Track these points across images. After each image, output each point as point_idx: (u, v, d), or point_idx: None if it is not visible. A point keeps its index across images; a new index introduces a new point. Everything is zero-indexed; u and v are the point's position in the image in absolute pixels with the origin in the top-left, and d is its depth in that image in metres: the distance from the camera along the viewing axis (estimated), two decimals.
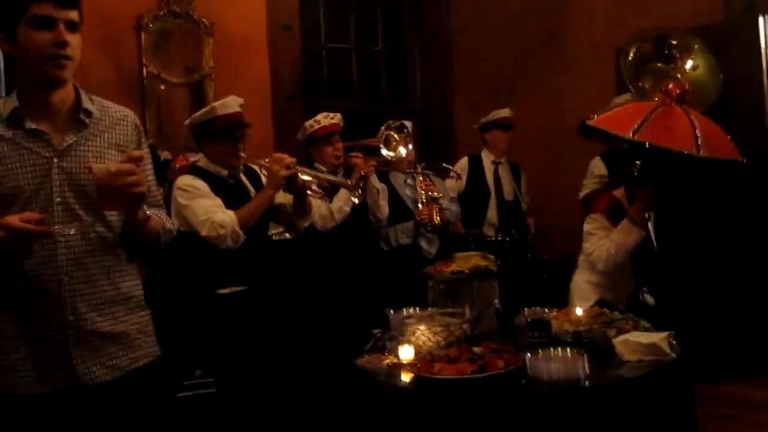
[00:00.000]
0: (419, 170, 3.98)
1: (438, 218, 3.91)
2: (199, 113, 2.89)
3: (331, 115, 3.57)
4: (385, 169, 3.81)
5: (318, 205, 3.23)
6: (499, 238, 4.05)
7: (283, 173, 2.73)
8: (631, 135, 2.67)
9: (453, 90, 5.48)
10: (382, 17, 5.49)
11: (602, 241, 2.96)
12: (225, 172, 2.87)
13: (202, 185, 2.77)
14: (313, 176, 3.03)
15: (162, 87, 4.40)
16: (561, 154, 4.65)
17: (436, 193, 3.95)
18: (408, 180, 4.00)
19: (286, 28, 4.79)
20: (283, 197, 3.01)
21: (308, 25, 5.07)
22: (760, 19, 4.09)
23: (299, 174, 2.81)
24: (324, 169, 3.50)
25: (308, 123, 3.58)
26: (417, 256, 3.90)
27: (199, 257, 2.79)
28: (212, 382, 3.43)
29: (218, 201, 2.75)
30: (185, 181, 2.80)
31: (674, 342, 2.12)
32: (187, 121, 2.96)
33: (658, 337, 2.07)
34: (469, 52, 5.40)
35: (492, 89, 5.07)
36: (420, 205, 3.90)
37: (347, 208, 3.32)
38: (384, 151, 2.87)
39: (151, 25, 4.34)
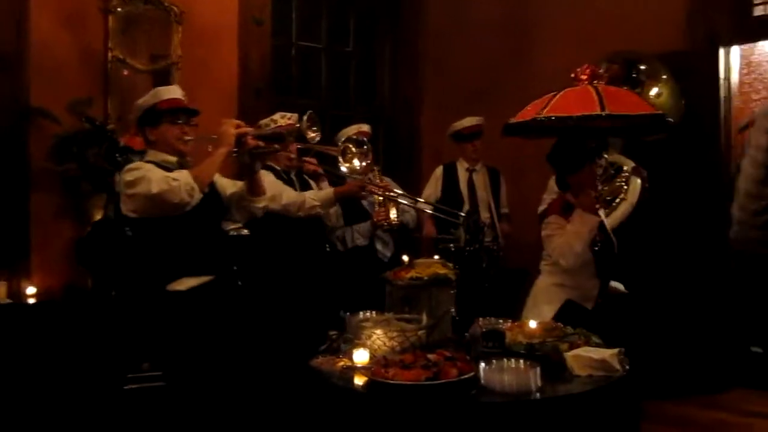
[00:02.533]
0: (376, 172, 3.99)
1: (395, 217, 3.93)
2: (142, 99, 2.85)
3: (288, 115, 3.52)
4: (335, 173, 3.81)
5: (289, 192, 3.21)
6: (466, 247, 4.07)
7: (233, 131, 2.71)
8: (538, 114, 2.82)
9: (421, 96, 5.52)
10: (355, 19, 5.49)
11: (561, 239, 3.00)
12: (174, 160, 2.81)
13: (151, 165, 2.72)
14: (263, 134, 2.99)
15: (126, 72, 4.31)
16: (524, 165, 4.71)
17: (392, 194, 3.97)
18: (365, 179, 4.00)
19: (258, 22, 4.75)
20: (233, 186, 2.98)
21: (280, 21, 5.03)
22: (720, 51, 4.24)
23: (251, 134, 2.78)
24: (278, 167, 3.47)
25: (264, 121, 3.53)
26: (372, 258, 3.92)
27: (151, 248, 2.74)
28: (160, 375, 3.38)
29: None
30: (132, 164, 2.77)
31: (624, 358, 2.16)
32: (133, 109, 2.91)
33: (609, 353, 2.12)
34: (439, 59, 5.44)
35: (459, 98, 5.11)
36: (377, 206, 3.92)
37: (321, 210, 3.34)
38: (341, 165, 2.87)
39: (119, 9, 4.24)
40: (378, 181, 4.00)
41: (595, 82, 3.08)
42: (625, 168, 3.72)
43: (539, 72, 4.70)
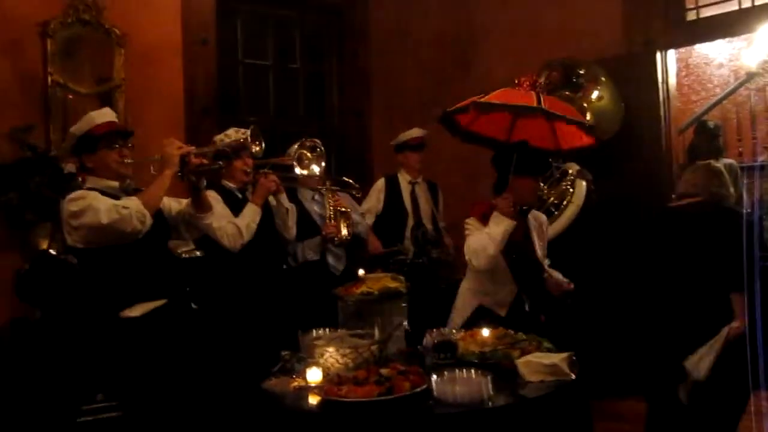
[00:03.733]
0: (327, 186, 3.99)
1: (346, 232, 3.93)
2: (75, 126, 2.79)
3: (242, 130, 3.49)
4: (293, 186, 3.80)
5: (224, 227, 3.16)
6: (416, 260, 4.09)
7: (176, 152, 2.70)
8: (537, 104, 2.87)
9: (370, 110, 5.54)
10: (301, 36, 5.49)
11: (475, 240, 2.92)
12: (116, 185, 2.76)
13: (95, 193, 2.65)
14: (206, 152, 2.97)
15: (70, 96, 4.23)
16: (474, 177, 4.76)
17: (343, 207, 3.96)
18: (315, 196, 3.99)
19: (203, 42, 4.72)
20: (178, 205, 2.96)
21: (225, 39, 5.00)
22: (658, 55, 4.37)
23: (193, 153, 2.77)
24: (232, 185, 3.43)
25: (218, 137, 3.48)
26: (324, 272, 3.90)
27: (100, 277, 2.69)
28: (114, 405, 3.30)
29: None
30: (74, 193, 2.67)
31: (574, 362, 2.19)
32: (67, 137, 2.86)
33: (559, 358, 2.15)
34: (386, 73, 5.48)
35: (408, 111, 5.15)
36: (328, 221, 3.91)
37: (254, 225, 3.25)
38: (297, 170, 2.85)
39: (58, 33, 4.17)
40: (329, 195, 4.00)
41: (537, 90, 3.17)
42: (570, 171, 3.79)
43: (483, 82, 4.75)
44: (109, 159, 2.74)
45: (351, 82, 5.53)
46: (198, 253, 3.57)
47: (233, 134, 3.43)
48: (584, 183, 3.79)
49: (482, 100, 3.19)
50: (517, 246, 3.01)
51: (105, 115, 2.81)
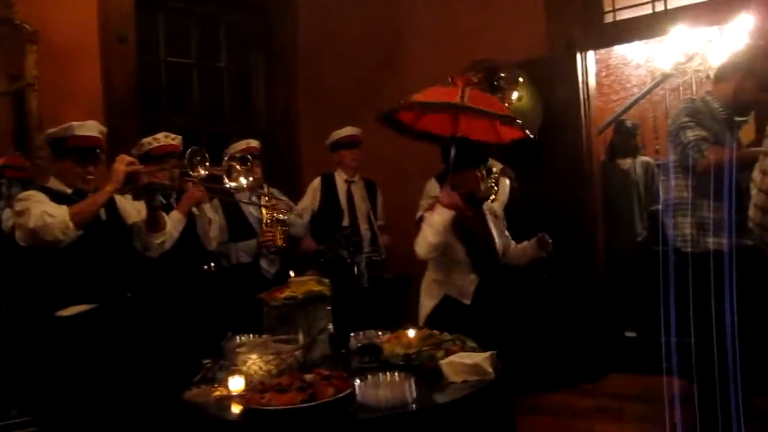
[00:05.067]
0: (266, 191, 3.95)
1: (281, 240, 3.88)
2: (54, 129, 2.84)
3: (172, 135, 3.44)
4: (228, 200, 3.75)
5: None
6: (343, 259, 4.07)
7: (123, 168, 2.72)
8: (459, 100, 2.94)
9: (298, 110, 5.48)
10: (226, 34, 5.37)
11: (421, 231, 3.05)
12: (69, 191, 2.81)
13: (42, 196, 2.71)
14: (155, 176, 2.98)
15: None
16: (403, 175, 4.78)
17: (281, 215, 3.91)
18: (253, 197, 3.94)
19: (121, 39, 4.55)
20: (137, 216, 2.98)
21: (146, 37, 4.83)
22: (578, 56, 4.49)
23: (142, 172, 2.80)
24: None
25: (146, 140, 3.42)
26: (257, 275, 3.84)
27: (40, 275, 2.74)
28: (30, 421, 3.16)
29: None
30: (25, 193, 2.76)
31: (497, 361, 2.22)
32: (42, 136, 2.95)
33: (481, 357, 2.17)
34: (313, 72, 5.43)
35: (336, 110, 5.12)
36: (264, 227, 3.86)
37: (176, 233, 3.20)
38: (226, 183, 2.84)
39: None
40: (267, 198, 3.95)
41: (469, 88, 3.22)
42: (494, 170, 3.86)
43: (410, 83, 4.77)
44: (72, 171, 2.81)
45: (278, 81, 5.45)
46: None
47: (162, 138, 3.36)
48: (508, 181, 3.87)
49: (410, 100, 3.22)
50: (474, 235, 3.13)
51: (86, 128, 2.84)
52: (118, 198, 2.97)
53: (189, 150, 2.84)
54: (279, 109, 5.45)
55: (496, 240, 3.23)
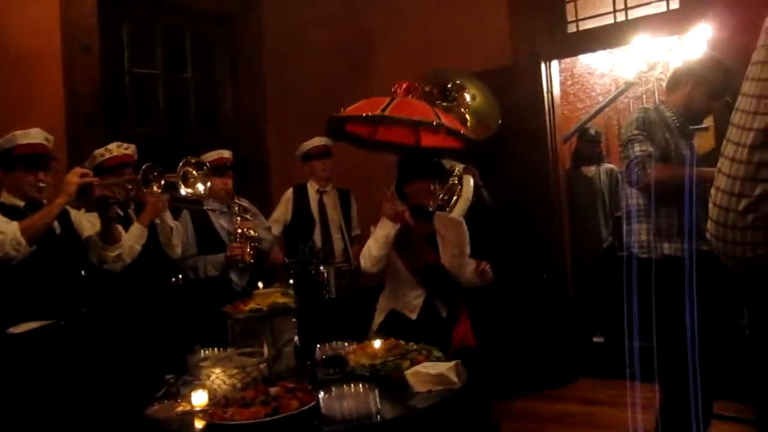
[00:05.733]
0: (237, 202, 3.93)
1: (250, 256, 3.85)
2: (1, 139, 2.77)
3: (125, 145, 3.37)
4: (196, 208, 3.71)
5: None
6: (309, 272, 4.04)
7: (76, 180, 2.65)
8: (380, 112, 2.91)
9: (265, 119, 5.45)
10: (191, 43, 5.32)
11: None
12: (21, 204, 2.75)
13: None
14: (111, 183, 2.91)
15: None
16: (372, 183, 4.78)
17: (251, 231, 3.89)
18: (224, 208, 3.91)
19: (85, 48, 4.48)
20: (91, 229, 2.92)
21: (110, 47, 4.77)
22: (542, 65, 4.55)
23: (96, 185, 2.73)
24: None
25: (99, 151, 3.35)
26: (226, 288, 3.80)
27: None
28: None
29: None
30: None
31: (462, 370, 2.23)
32: None
33: (446, 367, 2.17)
34: (280, 80, 5.42)
35: (304, 119, 5.10)
36: (234, 241, 3.83)
37: (138, 247, 3.15)
38: (182, 190, 2.76)
39: None
40: (237, 209, 3.92)
41: (409, 96, 3.22)
42: (457, 169, 3.89)
43: (376, 91, 4.78)
44: (23, 181, 2.74)
45: (245, 91, 5.41)
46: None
47: (115, 149, 3.30)
48: (471, 178, 3.90)
49: (386, 113, 3.17)
50: (417, 249, 3.05)
51: (30, 136, 2.78)
52: (73, 212, 2.92)
53: (143, 167, 2.75)
54: (246, 118, 5.42)
55: (443, 256, 3.10)
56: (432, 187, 3.09)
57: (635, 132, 2.80)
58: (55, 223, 2.78)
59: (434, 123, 3.03)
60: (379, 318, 3.10)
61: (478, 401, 3.00)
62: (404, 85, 3.19)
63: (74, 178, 2.67)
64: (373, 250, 2.94)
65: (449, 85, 3.82)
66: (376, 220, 4.37)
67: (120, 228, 3.02)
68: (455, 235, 3.18)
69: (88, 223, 2.96)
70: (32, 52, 4.25)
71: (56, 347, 2.69)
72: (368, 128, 3.44)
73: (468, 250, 3.20)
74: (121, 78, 4.91)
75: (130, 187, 2.90)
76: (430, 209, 3.12)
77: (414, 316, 3.02)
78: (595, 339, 5.34)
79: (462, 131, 3.18)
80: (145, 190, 2.79)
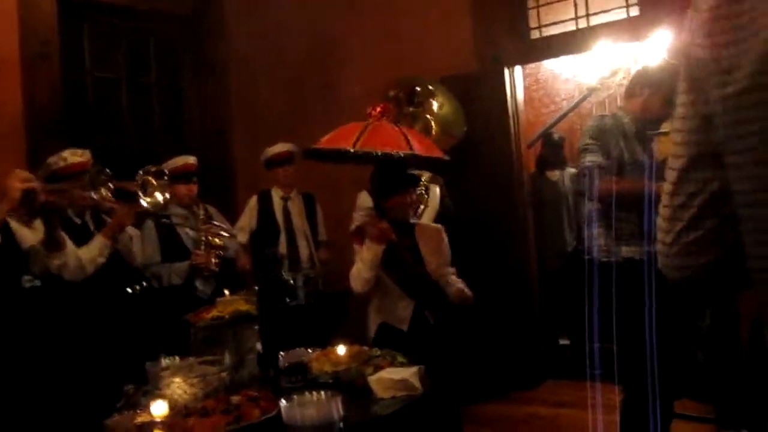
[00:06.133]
0: (200, 210, 3.90)
1: (215, 264, 3.83)
2: None
3: (80, 152, 3.28)
4: (163, 221, 3.68)
5: (65, 258, 2.98)
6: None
7: (18, 185, 2.46)
8: (352, 147, 2.91)
9: (231, 126, 5.42)
10: (155, 48, 5.26)
11: (354, 266, 3.03)
12: None
13: None
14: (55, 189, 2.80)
15: None
16: (336, 188, 4.78)
17: (217, 240, 3.86)
18: (188, 215, 3.88)
19: (44, 54, 4.41)
20: (33, 239, 2.80)
21: (71, 51, 4.69)
22: (506, 71, 4.60)
23: (39, 190, 2.54)
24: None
25: (52, 159, 3.23)
26: (191, 296, 3.77)
27: None
28: None
29: None
30: None
31: (425, 375, 2.23)
32: None
33: (409, 373, 2.17)
34: (247, 88, 5.39)
35: (270, 126, 5.09)
36: (198, 249, 3.80)
37: (102, 260, 3.09)
38: (141, 200, 2.71)
39: None
40: (201, 217, 3.89)
41: (384, 117, 3.21)
42: (423, 178, 3.90)
43: (344, 99, 4.81)
44: None
45: (210, 97, 5.37)
46: (38, 283, 3.32)
47: (69, 157, 3.21)
48: (438, 187, 3.92)
49: (357, 147, 3.13)
50: (402, 263, 3.05)
51: None
52: (12, 222, 2.78)
53: (91, 170, 2.67)
54: (212, 126, 5.38)
55: (428, 266, 3.10)
56: (409, 199, 3.11)
57: (588, 142, 2.86)
58: None
59: (401, 154, 3.01)
60: (369, 332, 3.09)
61: (447, 406, 3.03)
62: (378, 109, 3.18)
63: (16, 183, 2.48)
64: (363, 272, 2.96)
65: (417, 89, 3.83)
66: (342, 226, 4.39)
67: (64, 236, 2.91)
68: (436, 243, 3.18)
69: (29, 233, 2.84)
70: None
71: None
72: (351, 141, 3.40)
73: (449, 256, 3.20)
74: (82, 84, 4.84)
75: (76, 192, 2.81)
76: (412, 221, 3.16)
77: (405, 327, 3.02)
78: (561, 342, 5.39)
79: (436, 155, 3.17)
80: (98, 197, 2.71)
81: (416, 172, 3.89)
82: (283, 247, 4.36)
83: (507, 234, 4.55)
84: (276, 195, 4.50)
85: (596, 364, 2.96)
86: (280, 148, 4.45)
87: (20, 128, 4.26)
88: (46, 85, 4.42)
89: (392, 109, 3.27)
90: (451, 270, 3.16)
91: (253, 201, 4.50)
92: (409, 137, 3.09)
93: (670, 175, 0.93)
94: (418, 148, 3.07)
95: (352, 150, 2.93)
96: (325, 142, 3.11)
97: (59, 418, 2.57)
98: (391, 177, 3.11)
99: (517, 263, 4.60)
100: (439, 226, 3.36)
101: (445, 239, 3.24)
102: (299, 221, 4.49)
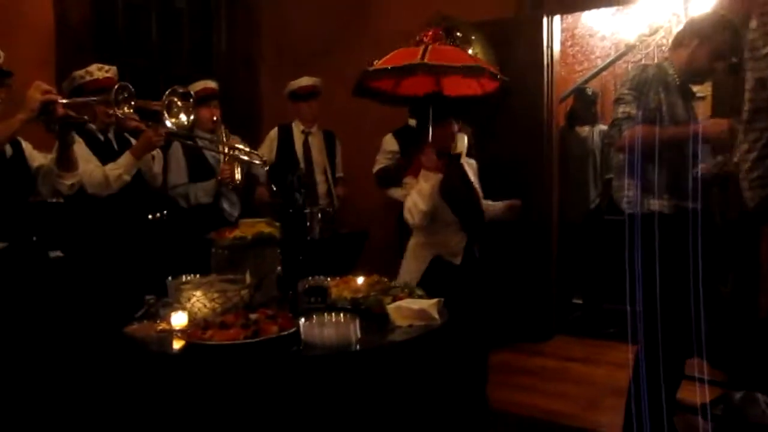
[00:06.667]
0: (223, 129, 3.89)
1: (239, 176, 3.84)
2: None
3: (106, 67, 3.23)
4: (188, 143, 3.67)
5: (91, 171, 2.99)
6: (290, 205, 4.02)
7: (39, 97, 2.44)
8: (419, 60, 2.87)
9: (259, 57, 5.36)
10: None
11: (409, 198, 2.99)
12: None
13: None
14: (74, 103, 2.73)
15: None
16: (360, 129, 4.73)
17: (240, 155, 3.84)
18: (213, 138, 3.88)
19: None
20: (43, 159, 2.79)
21: None
22: (544, 19, 4.48)
23: (58, 102, 2.52)
24: (92, 126, 3.19)
25: (78, 73, 3.20)
26: (217, 216, 3.79)
27: None
28: None
29: None
30: None
31: (443, 308, 2.23)
32: None
33: (428, 304, 2.18)
34: (277, 18, 5.31)
35: (299, 58, 5.03)
36: (222, 164, 3.81)
37: (128, 177, 3.09)
38: (167, 120, 2.68)
39: None
40: (224, 138, 3.89)
41: (437, 43, 3.14)
42: None
43: (376, 33, 4.71)
44: None
45: (240, 26, 5.30)
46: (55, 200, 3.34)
47: (96, 71, 3.18)
48: (465, 136, 3.86)
49: (371, 68, 3.10)
50: (458, 192, 3.08)
51: None
52: (24, 141, 2.78)
53: (116, 86, 2.64)
54: (240, 56, 5.32)
55: (479, 193, 3.22)
56: (456, 129, 3.12)
57: (625, 92, 2.78)
58: (7, 146, 2.65)
59: (483, 68, 2.99)
60: (418, 267, 3.05)
61: (477, 347, 3.06)
62: (430, 33, 3.12)
63: (36, 94, 2.46)
64: (420, 204, 2.92)
65: (458, 34, 3.73)
66: (362, 164, 4.36)
67: (76, 154, 2.86)
68: (473, 174, 3.29)
69: (38, 153, 2.82)
70: None
71: (9, 271, 2.61)
72: (391, 82, 3.34)
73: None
74: (113, 5, 4.78)
75: (99, 108, 2.77)
76: (457, 150, 3.16)
77: (458, 261, 3.07)
78: (574, 300, 5.39)
79: (498, 75, 3.13)
80: (121, 114, 2.68)
81: None
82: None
83: (531, 186, 4.50)
84: (297, 129, 4.47)
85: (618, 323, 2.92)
86: (305, 81, 4.41)
87: (51, 44, 4.24)
88: (78, 4, 4.37)
89: (442, 35, 3.20)
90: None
91: (274, 133, 4.48)
92: (428, 52, 3.01)
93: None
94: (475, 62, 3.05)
95: (422, 62, 2.85)
96: (384, 62, 3.04)
97: (79, 326, 2.61)
98: (441, 105, 3.10)
99: (539, 215, 4.56)
100: (473, 160, 3.41)
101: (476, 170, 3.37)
102: (318, 156, 4.47)
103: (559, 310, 4.94)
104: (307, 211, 3.97)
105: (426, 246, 3.10)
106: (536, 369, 4.12)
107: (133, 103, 2.68)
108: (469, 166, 3.30)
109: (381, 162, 4.15)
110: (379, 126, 4.29)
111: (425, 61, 2.89)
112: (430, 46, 3.10)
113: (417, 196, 2.94)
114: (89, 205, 3.08)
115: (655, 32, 5.32)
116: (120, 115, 2.83)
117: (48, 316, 2.61)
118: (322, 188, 4.42)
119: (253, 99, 5.31)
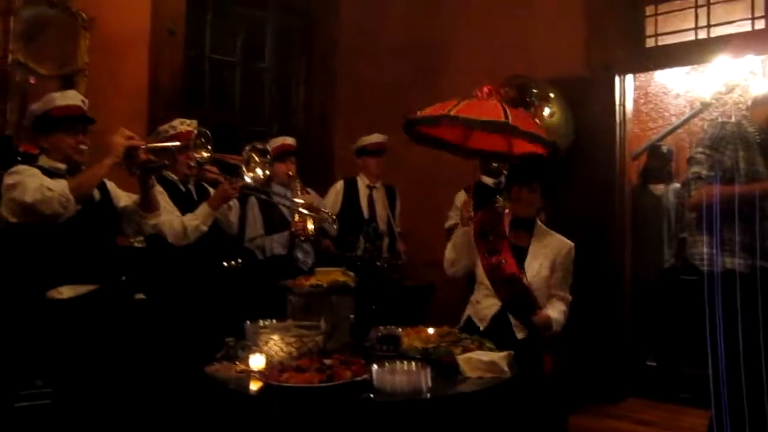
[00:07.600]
0: (297, 184, 4.04)
1: (312, 228, 3.96)
2: (36, 104, 2.76)
3: (188, 121, 3.40)
4: (262, 197, 3.83)
5: (171, 221, 3.13)
6: (365, 254, 4.11)
7: (123, 142, 2.63)
8: (447, 112, 2.76)
9: (334, 114, 5.58)
10: (271, 35, 5.50)
11: None
12: (63, 167, 2.72)
13: (35, 170, 2.63)
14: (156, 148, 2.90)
15: (30, 77, 4.16)
16: (433, 186, 4.82)
17: (313, 212, 3.98)
18: (288, 192, 4.04)
19: (171, 33, 4.69)
20: (127, 199, 2.95)
21: (193, 32, 4.98)
22: (616, 79, 4.50)
23: (141, 147, 2.70)
24: (173, 177, 3.37)
25: (163, 127, 3.39)
26: (291, 267, 3.91)
27: (30, 253, 2.64)
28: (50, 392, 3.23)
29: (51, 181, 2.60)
30: (15, 167, 2.65)
31: (512, 362, 2.24)
32: (27, 115, 2.82)
33: (498, 356, 2.19)
34: (352, 77, 5.53)
35: (371, 116, 5.19)
36: (296, 217, 3.95)
37: (205, 228, 3.22)
38: (245, 175, 2.83)
39: (21, 11, 4.10)
40: (299, 193, 4.04)
41: (492, 99, 3.17)
42: None
43: (444, 93, 4.81)
44: (63, 143, 2.72)
45: (317, 84, 5.56)
46: (138, 244, 3.53)
47: (178, 125, 3.37)
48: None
49: (452, 113, 3.06)
50: (500, 258, 2.78)
51: (67, 97, 2.77)
52: (108, 182, 2.92)
53: (195, 132, 2.80)
54: (316, 113, 5.56)
55: (528, 272, 2.91)
56: (526, 194, 2.97)
57: (699, 150, 2.78)
58: (95, 190, 2.78)
59: (503, 121, 2.89)
60: (461, 320, 3.06)
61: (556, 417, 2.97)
62: (486, 89, 3.09)
63: (121, 139, 2.64)
64: (447, 251, 3.03)
65: (534, 90, 3.76)
66: (424, 218, 4.42)
67: (158, 197, 3.00)
68: (555, 256, 2.99)
69: (123, 194, 2.97)
70: (123, 33, 4.49)
71: (104, 312, 2.72)
72: (459, 133, 3.33)
73: (568, 279, 3.03)
74: (201, 64, 5.12)
75: (174, 151, 2.91)
76: (535, 219, 3.04)
77: (483, 326, 2.90)
78: (648, 363, 5.21)
79: (540, 134, 3.00)
80: (200, 159, 2.82)
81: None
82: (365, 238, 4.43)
83: (604, 243, 4.45)
84: (362, 183, 4.59)
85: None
86: (376, 138, 4.55)
87: (144, 100, 4.56)
88: (170, 63, 4.69)
89: (500, 92, 3.20)
90: (562, 294, 2.99)
91: (339, 185, 4.61)
92: (509, 113, 2.75)
93: None
94: (520, 123, 2.74)
95: (451, 113, 2.78)
96: (424, 112, 3.07)
97: (162, 366, 2.72)
98: (521, 166, 2.93)
99: (612, 273, 4.49)
100: (571, 243, 3.11)
101: (571, 258, 3.05)
102: (382, 211, 4.57)
103: (632, 371, 4.80)
104: (379, 259, 4.10)
105: (470, 302, 3.07)
106: (607, 431, 3.99)
107: (209, 147, 2.84)
108: (555, 243, 3.05)
109: (452, 218, 4.22)
110: (452, 180, 4.36)
111: (450, 113, 2.79)
112: (467, 100, 3.03)
113: (449, 244, 3.04)
114: (169, 250, 3.23)
115: (731, 90, 5.25)
116: (198, 160, 2.98)
117: (134, 356, 2.72)
118: (384, 242, 4.50)
119: (326, 152, 5.51)
